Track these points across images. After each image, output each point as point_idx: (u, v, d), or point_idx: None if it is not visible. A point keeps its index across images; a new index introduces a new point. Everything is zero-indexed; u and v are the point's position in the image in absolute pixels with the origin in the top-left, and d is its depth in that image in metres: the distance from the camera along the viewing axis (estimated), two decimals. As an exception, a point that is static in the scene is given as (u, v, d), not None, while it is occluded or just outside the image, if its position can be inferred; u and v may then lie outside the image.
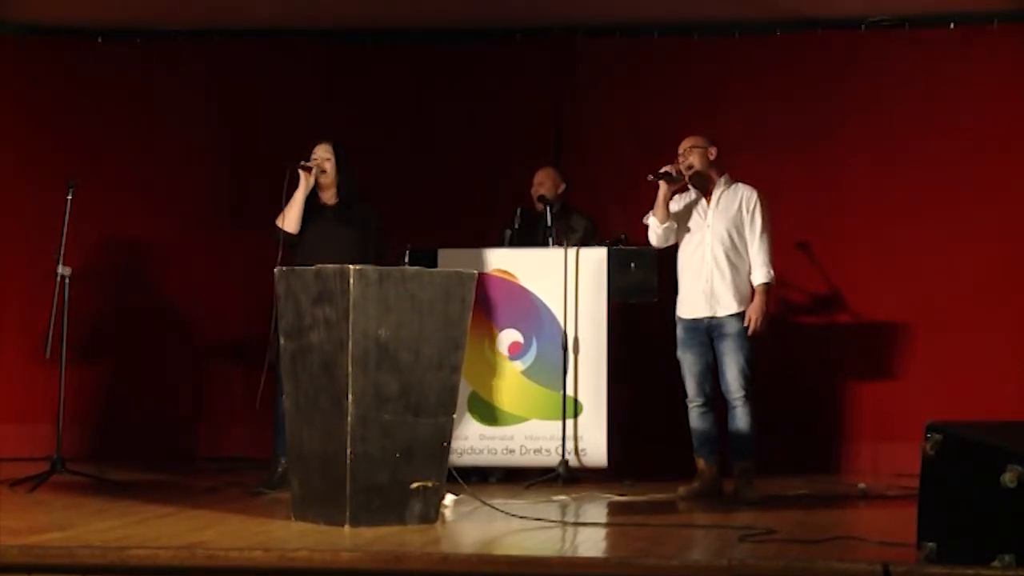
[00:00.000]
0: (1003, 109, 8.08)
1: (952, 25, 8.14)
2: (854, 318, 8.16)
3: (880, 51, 8.22)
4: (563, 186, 7.75)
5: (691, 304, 6.80)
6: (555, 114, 8.57)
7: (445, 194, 8.39)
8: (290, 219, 6.86)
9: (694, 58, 8.43)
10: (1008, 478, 4.49)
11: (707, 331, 6.76)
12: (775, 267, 6.77)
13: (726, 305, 6.72)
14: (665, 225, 6.81)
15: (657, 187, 6.80)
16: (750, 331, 6.66)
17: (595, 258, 7.27)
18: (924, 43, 8.17)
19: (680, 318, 6.85)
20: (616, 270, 7.27)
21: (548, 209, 7.50)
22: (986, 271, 8.01)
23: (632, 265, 7.25)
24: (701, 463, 6.79)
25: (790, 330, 8.20)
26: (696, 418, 6.81)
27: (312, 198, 6.94)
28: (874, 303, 8.15)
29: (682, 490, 6.74)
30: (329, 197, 6.99)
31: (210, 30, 8.61)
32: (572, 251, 7.24)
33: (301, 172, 6.87)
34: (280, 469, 6.65)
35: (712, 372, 6.79)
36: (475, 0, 8.10)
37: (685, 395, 6.84)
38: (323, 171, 6.91)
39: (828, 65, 8.28)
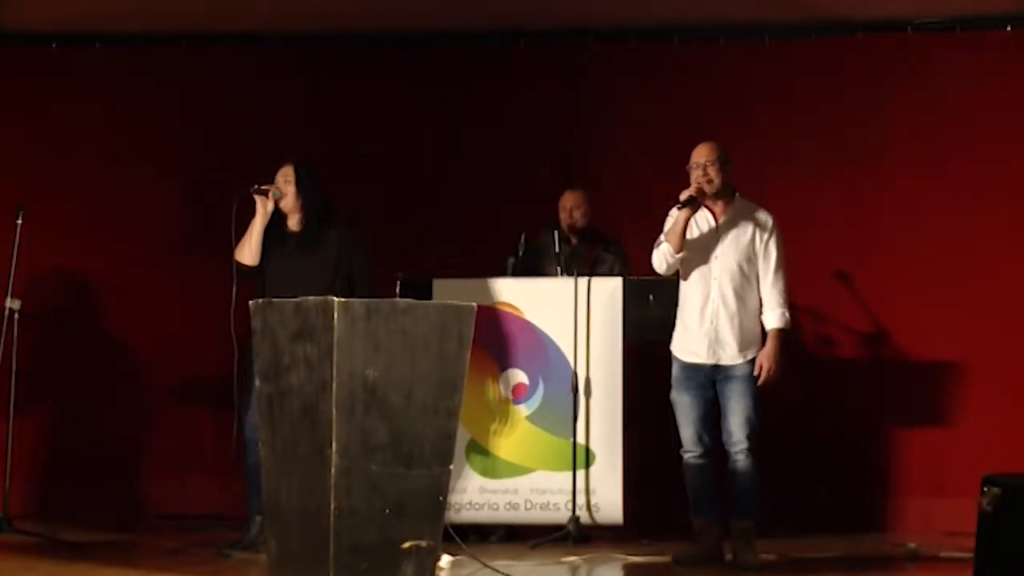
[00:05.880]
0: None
1: (1008, 28, 8.18)
2: (900, 356, 8.17)
3: (928, 56, 8.25)
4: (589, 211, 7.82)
5: (692, 345, 6.69)
6: (564, 128, 8.60)
7: (441, 218, 8.42)
8: (246, 251, 6.90)
9: (719, 66, 8.47)
10: (1075, 536, 4.50)
11: (709, 374, 6.67)
12: (792, 305, 6.70)
13: (731, 353, 6.61)
14: (680, 255, 6.66)
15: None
16: (761, 380, 6.56)
17: (609, 290, 7.28)
18: (977, 47, 8.20)
19: (677, 358, 6.76)
20: (632, 303, 7.27)
21: (557, 234, 7.53)
22: (1049, 304, 8.04)
23: (651, 297, 7.26)
24: (700, 522, 6.66)
25: (827, 370, 8.22)
26: (693, 471, 6.67)
27: (279, 225, 6.98)
28: (923, 340, 8.15)
29: (678, 553, 6.66)
30: (295, 223, 7.02)
31: (178, 35, 8.65)
32: (583, 282, 7.26)
33: (256, 198, 6.91)
34: (254, 527, 6.66)
35: (712, 418, 6.69)
36: (474, 3, 8.13)
37: (679, 443, 6.71)
38: (282, 195, 6.93)
39: (869, 73, 8.31)
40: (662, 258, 6.69)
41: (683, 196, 6.59)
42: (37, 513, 8.03)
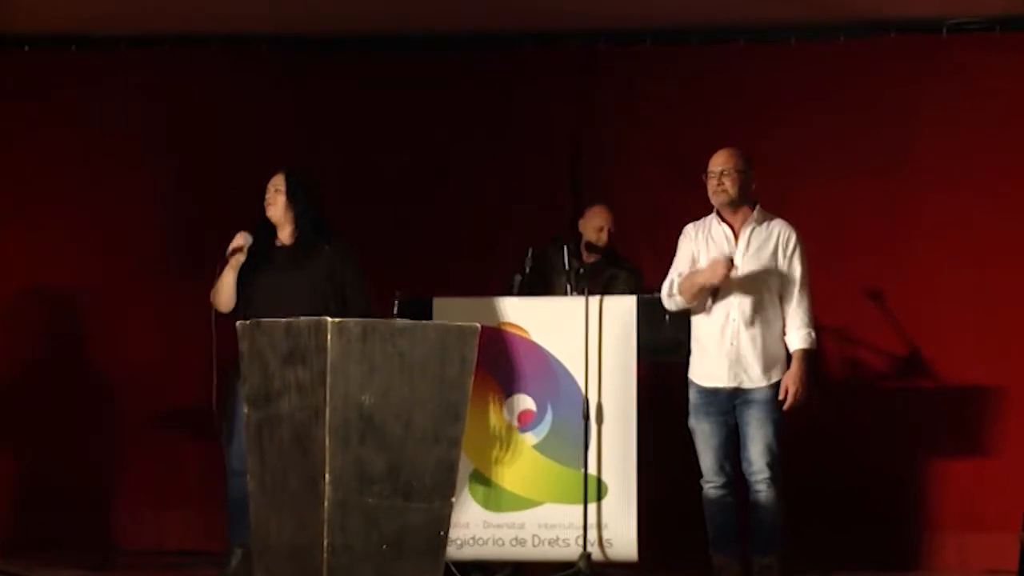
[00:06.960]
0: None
1: (1053, 28, 8.20)
2: (936, 383, 8.15)
3: (965, 59, 8.25)
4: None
5: (710, 368, 6.71)
6: (572, 138, 8.61)
7: (442, 232, 8.41)
8: (221, 301, 6.92)
9: (741, 69, 8.47)
10: None
11: (729, 398, 6.69)
12: (818, 325, 6.69)
13: (754, 376, 6.63)
14: (692, 306, 6.76)
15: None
16: (787, 405, 6.56)
17: (622, 310, 7.25)
18: (1018, 49, 8.19)
19: (695, 383, 6.77)
20: (647, 324, 7.23)
21: (566, 249, 7.50)
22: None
23: (667, 318, 7.23)
24: (720, 559, 6.69)
25: (857, 396, 8.21)
26: (713, 503, 6.69)
27: (269, 238, 6.96)
28: (961, 364, 8.13)
29: None
30: (287, 236, 7.01)
31: (158, 37, 8.65)
32: (594, 301, 7.23)
33: (232, 259, 6.93)
34: (235, 560, 6.63)
35: (734, 446, 6.69)
36: (475, 2, 8.12)
37: (699, 474, 6.73)
38: (251, 241, 6.92)
39: (903, 76, 8.31)
40: (669, 300, 6.81)
41: (708, 283, 6.62)
42: (7, 549, 8.00)
